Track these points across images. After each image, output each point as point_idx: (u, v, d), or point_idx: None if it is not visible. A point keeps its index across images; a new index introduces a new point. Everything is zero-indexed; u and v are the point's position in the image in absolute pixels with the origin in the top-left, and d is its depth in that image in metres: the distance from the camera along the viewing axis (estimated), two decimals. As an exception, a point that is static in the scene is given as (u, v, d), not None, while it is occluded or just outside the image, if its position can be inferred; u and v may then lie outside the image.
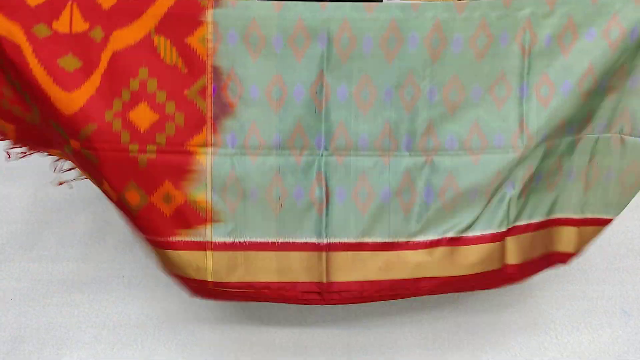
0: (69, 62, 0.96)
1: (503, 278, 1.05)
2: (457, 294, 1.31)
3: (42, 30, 0.96)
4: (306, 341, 1.25)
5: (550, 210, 1.06)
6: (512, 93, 1.01)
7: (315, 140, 1.02)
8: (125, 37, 0.97)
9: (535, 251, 1.06)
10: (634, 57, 1.02)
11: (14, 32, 0.94)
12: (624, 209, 1.10)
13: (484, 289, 1.10)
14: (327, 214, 1.02)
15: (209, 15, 0.97)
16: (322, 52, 1.00)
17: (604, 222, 1.09)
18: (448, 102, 1.02)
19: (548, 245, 1.07)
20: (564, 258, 1.09)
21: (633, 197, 1.09)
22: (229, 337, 1.25)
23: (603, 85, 1.02)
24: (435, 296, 1.31)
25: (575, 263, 1.35)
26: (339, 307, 1.29)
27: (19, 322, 1.27)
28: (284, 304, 1.28)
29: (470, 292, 1.31)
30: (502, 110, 1.02)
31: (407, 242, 1.03)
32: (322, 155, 1.02)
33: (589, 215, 1.07)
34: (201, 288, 1.00)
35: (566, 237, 1.08)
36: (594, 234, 1.09)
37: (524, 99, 1.01)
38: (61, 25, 0.96)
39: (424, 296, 1.29)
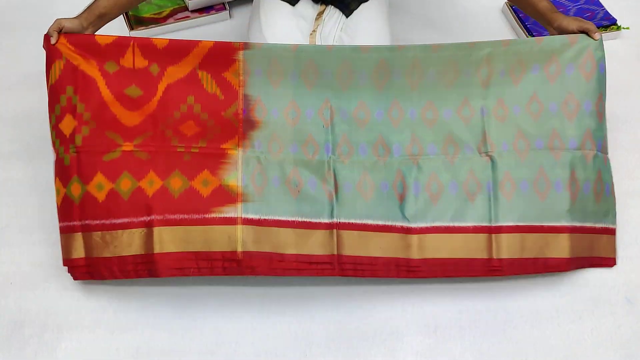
0: (133, 91, 1.23)
1: (489, 269, 1.24)
2: (459, 281, 1.31)
3: (111, 66, 1.23)
4: (307, 328, 1.25)
5: (542, 217, 1.25)
6: (475, 114, 1.29)
7: (324, 147, 1.27)
8: (176, 72, 1.24)
9: (527, 252, 1.24)
10: (579, 87, 1.29)
11: (91, 68, 1.22)
12: (609, 216, 1.32)
13: (470, 276, 1.25)
14: (336, 200, 1.24)
15: (240, 55, 1.25)
16: (327, 84, 1.28)
17: (591, 230, 1.29)
18: (426, 120, 1.29)
19: (544, 250, 1.25)
20: (561, 264, 1.26)
21: (608, 204, 1.32)
22: (230, 322, 1.25)
23: (555, 110, 1.28)
24: (437, 283, 1.30)
25: (578, 251, 1.36)
26: (341, 294, 1.29)
27: (18, 307, 1.27)
28: (287, 289, 1.29)
29: (472, 280, 1.31)
30: (468, 126, 1.28)
31: (401, 227, 1.24)
32: (330, 158, 1.26)
33: (577, 224, 1.26)
34: (229, 261, 1.19)
35: (560, 244, 1.25)
36: (586, 241, 1.28)
37: (485, 117, 1.28)
38: (126, 62, 1.23)
39: (426, 283, 1.30)
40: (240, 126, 1.25)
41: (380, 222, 1.24)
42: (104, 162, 1.20)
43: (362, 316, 1.26)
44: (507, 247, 1.24)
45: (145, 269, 1.19)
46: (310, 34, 1.50)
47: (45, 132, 1.51)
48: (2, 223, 1.38)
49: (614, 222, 1.34)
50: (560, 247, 1.25)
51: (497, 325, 1.25)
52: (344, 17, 1.51)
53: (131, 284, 1.29)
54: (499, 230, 1.24)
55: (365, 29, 1.50)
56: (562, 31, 1.33)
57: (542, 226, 1.25)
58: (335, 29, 1.51)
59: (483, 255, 1.24)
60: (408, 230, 1.24)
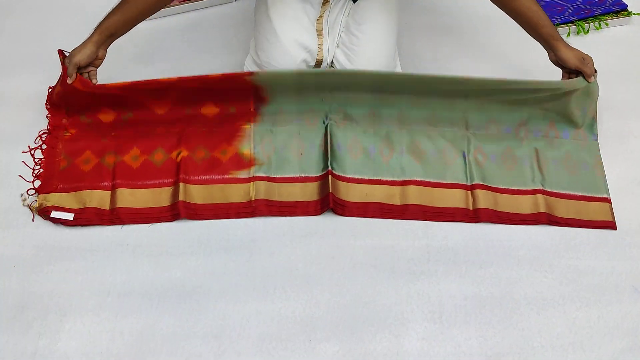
0: (154, 93, 1.41)
1: (466, 216, 1.39)
2: (464, 268, 1.31)
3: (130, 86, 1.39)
4: (312, 312, 1.24)
5: (511, 182, 1.43)
6: (459, 100, 1.45)
7: (323, 116, 1.47)
8: (190, 83, 1.39)
9: (501, 207, 1.40)
10: (553, 93, 1.41)
11: (112, 87, 1.37)
12: (595, 187, 1.43)
13: (449, 221, 1.38)
14: (331, 157, 1.43)
15: (248, 77, 1.40)
16: (327, 82, 1.43)
17: (572, 197, 1.42)
18: (414, 101, 1.45)
19: (518, 207, 1.40)
20: (539, 217, 1.39)
21: (584, 174, 1.45)
22: (234, 307, 1.25)
23: (525, 104, 1.45)
24: (442, 269, 1.30)
25: (584, 238, 1.36)
26: (346, 279, 1.29)
27: (22, 289, 1.26)
28: (291, 274, 1.30)
29: (478, 267, 1.31)
30: (450, 108, 1.46)
31: (386, 180, 1.43)
32: (327, 123, 1.47)
33: (549, 189, 1.43)
34: (244, 207, 1.38)
35: (534, 202, 1.41)
36: (571, 205, 1.41)
37: (466, 102, 1.45)
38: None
39: (431, 269, 1.30)
40: (251, 102, 1.44)
41: (366, 177, 1.43)
42: (141, 140, 1.44)
43: (366, 302, 1.26)
44: (482, 200, 1.39)
45: (169, 215, 1.36)
46: (317, 20, 1.48)
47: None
48: (5, 205, 1.37)
49: (603, 192, 1.42)
50: (534, 205, 1.40)
51: (503, 312, 1.25)
52: (351, 2, 1.49)
53: (135, 267, 1.29)
54: (474, 187, 1.41)
55: (372, 15, 1.48)
56: (561, 62, 1.38)
57: (512, 189, 1.42)
58: (342, 14, 1.50)
59: (461, 205, 1.40)
60: (392, 183, 1.42)
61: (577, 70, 1.36)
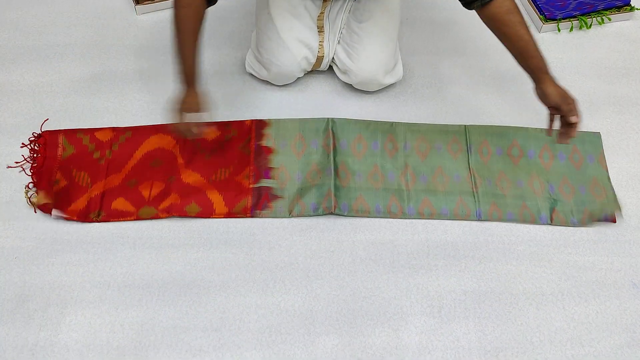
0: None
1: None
2: (464, 263, 1.31)
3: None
4: (311, 306, 1.25)
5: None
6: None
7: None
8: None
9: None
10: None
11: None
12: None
13: (453, 219, 1.39)
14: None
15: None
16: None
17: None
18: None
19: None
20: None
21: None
22: (234, 300, 1.25)
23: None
24: (442, 264, 1.30)
25: (584, 234, 1.36)
26: (345, 273, 1.29)
27: (23, 281, 1.27)
28: (291, 268, 1.30)
29: (477, 262, 1.31)
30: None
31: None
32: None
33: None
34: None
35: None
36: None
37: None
38: None
39: (431, 264, 1.30)
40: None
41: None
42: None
43: (366, 295, 1.26)
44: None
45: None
46: (318, 16, 1.48)
47: (49, 105, 1.50)
48: (6, 198, 1.38)
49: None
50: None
51: (502, 307, 1.25)
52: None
53: (136, 260, 1.29)
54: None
55: (373, 13, 1.47)
56: (542, 97, 1.24)
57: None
58: (344, 11, 1.49)
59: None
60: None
61: (556, 107, 1.22)
